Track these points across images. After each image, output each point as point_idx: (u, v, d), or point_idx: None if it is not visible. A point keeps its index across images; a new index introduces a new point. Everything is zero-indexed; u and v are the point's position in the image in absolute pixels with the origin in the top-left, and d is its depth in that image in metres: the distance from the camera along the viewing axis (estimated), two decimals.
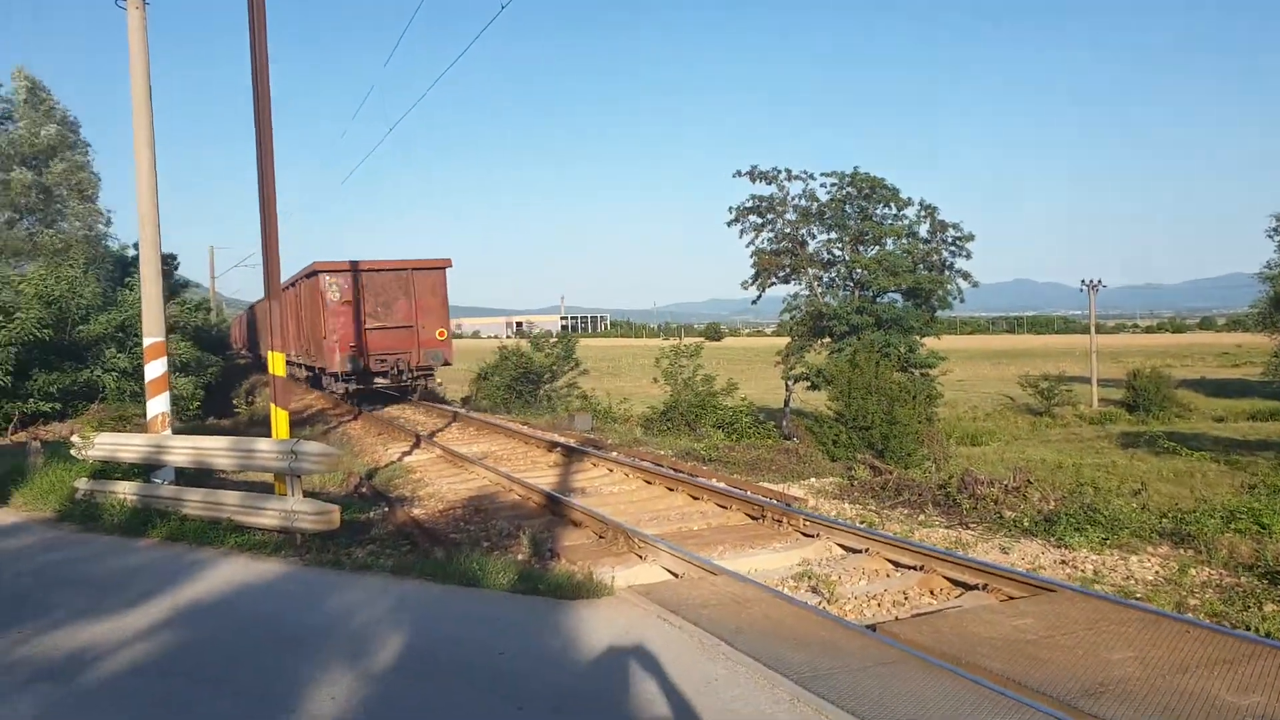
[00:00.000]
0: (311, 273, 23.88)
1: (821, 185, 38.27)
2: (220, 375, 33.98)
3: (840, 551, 8.66)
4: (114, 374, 26.48)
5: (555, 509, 10.18)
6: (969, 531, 10.02)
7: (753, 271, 40.15)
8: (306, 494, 9.95)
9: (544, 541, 8.73)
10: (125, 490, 10.52)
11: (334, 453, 8.60)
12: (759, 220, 39.86)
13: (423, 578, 7.42)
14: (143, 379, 27.50)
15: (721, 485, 12.10)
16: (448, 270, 24.10)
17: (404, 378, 23.29)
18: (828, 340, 38.14)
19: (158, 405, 12.51)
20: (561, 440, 15.81)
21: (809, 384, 37.79)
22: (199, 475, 11.17)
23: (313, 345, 24.96)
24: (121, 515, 10.14)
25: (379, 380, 23.21)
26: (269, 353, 9.71)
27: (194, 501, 9.68)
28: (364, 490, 12.29)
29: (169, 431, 12.52)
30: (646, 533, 8.82)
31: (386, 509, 10.58)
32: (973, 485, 11.60)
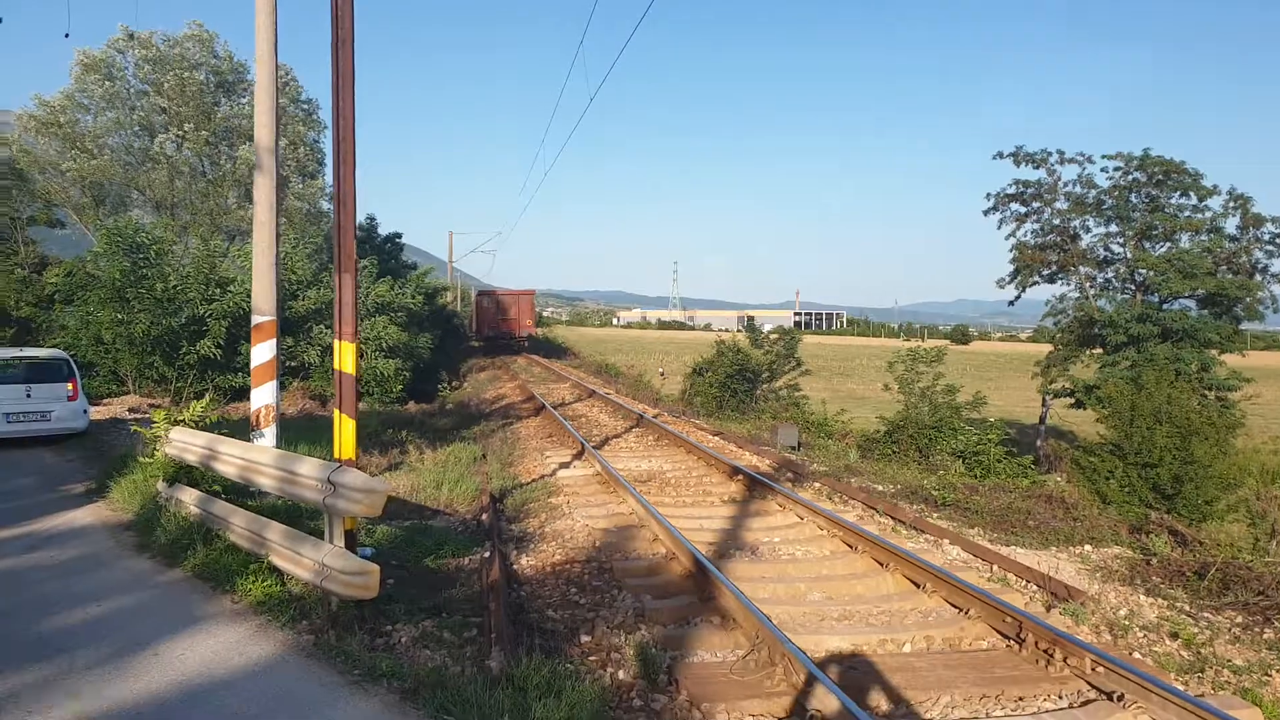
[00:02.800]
0: (477, 296, 57.15)
1: (1102, 170, 32.37)
2: (431, 358, 33.42)
3: None
4: (317, 349, 26.16)
5: (703, 584, 7.11)
6: None
7: (1011, 268, 34.86)
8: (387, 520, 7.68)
9: (660, 657, 5.69)
10: (189, 500, 8.59)
11: (379, 489, 6.07)
12: (1022, 209, 34.42)
13: (438, 715, 4.66)
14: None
15: (955, 557, 8.61)
16: (534, 295, 55.28)
17: (511, 343, 50.09)
18: (1098, 351, 32.36)
19: (263, 396, 10.63)
20: (746, 466, 12.65)
21: (1072, 401, 32.19)
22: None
23: (476, 326, 53.42)
24: (174, 532, 8.24)
25: (501, 342, 49.88)
26: (336, 342, 7.33)
27: (239, 528, 7.51)
28: (484, 517, 9.79)
29: (273, 428, 10.63)
30: (821, 660, 5.60)
31: (489, 553, 7.96)
32: None
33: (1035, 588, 7.87)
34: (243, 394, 24.15)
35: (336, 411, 7.27)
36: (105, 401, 22.44)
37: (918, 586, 7.40)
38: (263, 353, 10.55)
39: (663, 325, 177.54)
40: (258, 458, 7.41)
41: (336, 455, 7.23)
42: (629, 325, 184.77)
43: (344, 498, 6.11)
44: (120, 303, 22.64)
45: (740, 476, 11.69)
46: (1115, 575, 8.64)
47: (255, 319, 10.68)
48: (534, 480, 11.91)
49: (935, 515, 11.06)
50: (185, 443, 8.91)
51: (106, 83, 31.38)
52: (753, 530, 9.26)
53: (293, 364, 26.59)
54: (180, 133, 30.85)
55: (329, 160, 33.77)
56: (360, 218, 40.62)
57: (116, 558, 8.01)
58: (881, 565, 7.94)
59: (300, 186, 32.98)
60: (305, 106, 33.99)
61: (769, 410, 26.32)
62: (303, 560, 6.45)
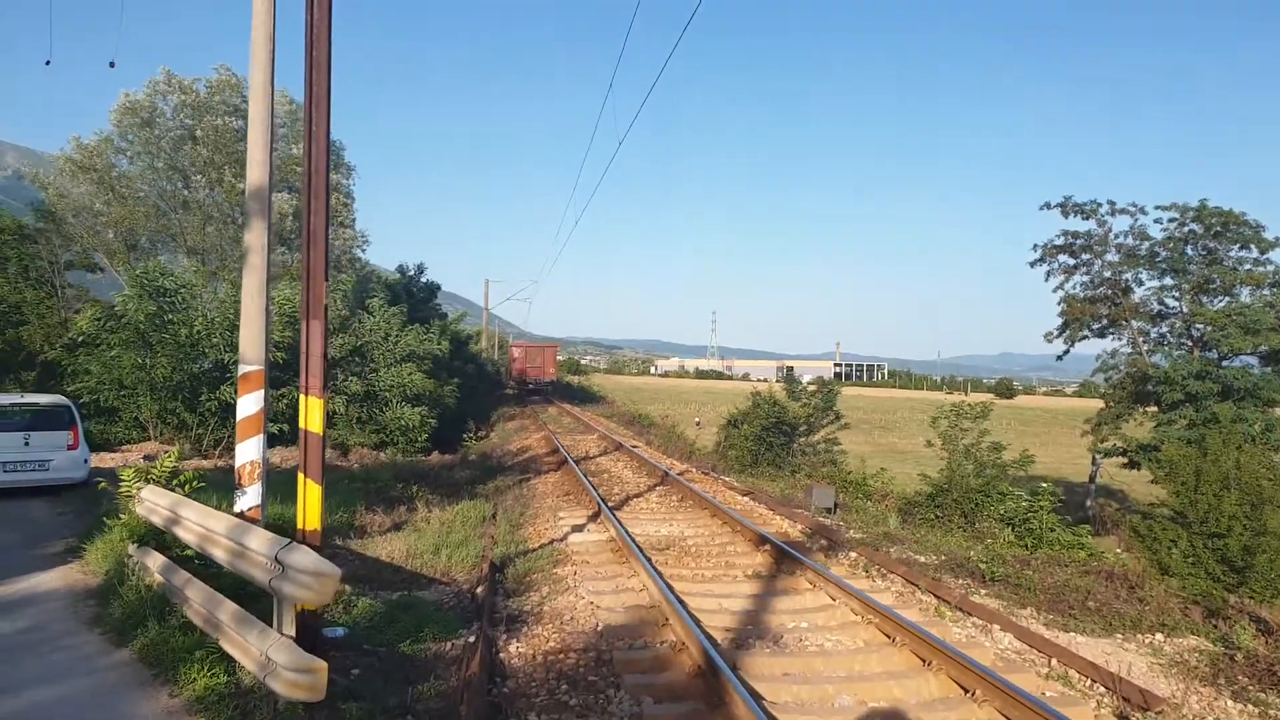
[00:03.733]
0: (511, 346, 72.20)
1: (1155, 221, 31.13)
2: (459, 406, 32.79)
3: None
4: (343, 398, 25.61)
5: (714, 685, 6.11)
6: None
7: (1060, 322, 33.59)
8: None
9: None
10: (154, 566, 7.80)
11: (329, 574, 5.23)
12: (1071, 261, 33.30)
13: None
14: (377, 404, 26.62)
15: (1008, 647, 7.56)
16: (557, 347, 70.40)
17: (539, 386, 58.07)
18: (1152, 409, 30.85)
19: (248, 451, 9.80)
20: (775, 534, 11.63)
21: (1126, 460, 30.62)
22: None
23: (509, 372, 62.20)
24: (132, 603, 7.44)
25: (529, 386, 57.84)
26: (302, 397, 6.55)
27: (195, 603, 6.68)
28: (479, 589, 8.87)
29: (258, 485, 9.81)
30: None
31: (474, 638, 7.03)
32: None
33: (1103, 689, 6.82)
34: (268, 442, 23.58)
35: (300, 475, 6.46)
36: (124, 448, 21.98)
37: (967, 692, 6.33)
38: (249, 405, 9.78)
39: (700, 375, 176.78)
40: (214, 525, 6.62)
41: (300, 526, 6.40)
42: (666, 374, 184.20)
43: (291, 580, 5.26)
44: (143, 347, 22.32)
45: (768, 546, 10.66)
46: (1195, 674, 7.55)
47: (242, 368, 9.95)
48: (542, 546, 10.98)
49: (983, 592, 10.02)
50: (153, 503, 8.17)
51: (145, 129, 31.48)
52: (778, 613, 8.23)
53: None
54: (217, 176, 30.79)
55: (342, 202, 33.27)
56: (408, 263, 40.40)
57: (66, 633, 7.21)
58: (924, 663, 6.88)
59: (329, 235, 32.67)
60: (336, 150, 33.75)
61: (805, 466, 25.22)
62: (249, 649, 5.60)
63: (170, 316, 22.82)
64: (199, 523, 6.90)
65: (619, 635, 7.29)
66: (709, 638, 7.17)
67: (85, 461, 14.63)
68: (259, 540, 5.79)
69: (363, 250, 36.99)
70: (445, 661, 6.71)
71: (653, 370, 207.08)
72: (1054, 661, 7.45)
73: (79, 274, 33.77)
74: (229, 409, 22.70)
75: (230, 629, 5.97)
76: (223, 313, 23.67)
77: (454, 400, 31.06)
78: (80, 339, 23.29)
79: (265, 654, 5.32)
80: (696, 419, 51.74)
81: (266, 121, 10.19)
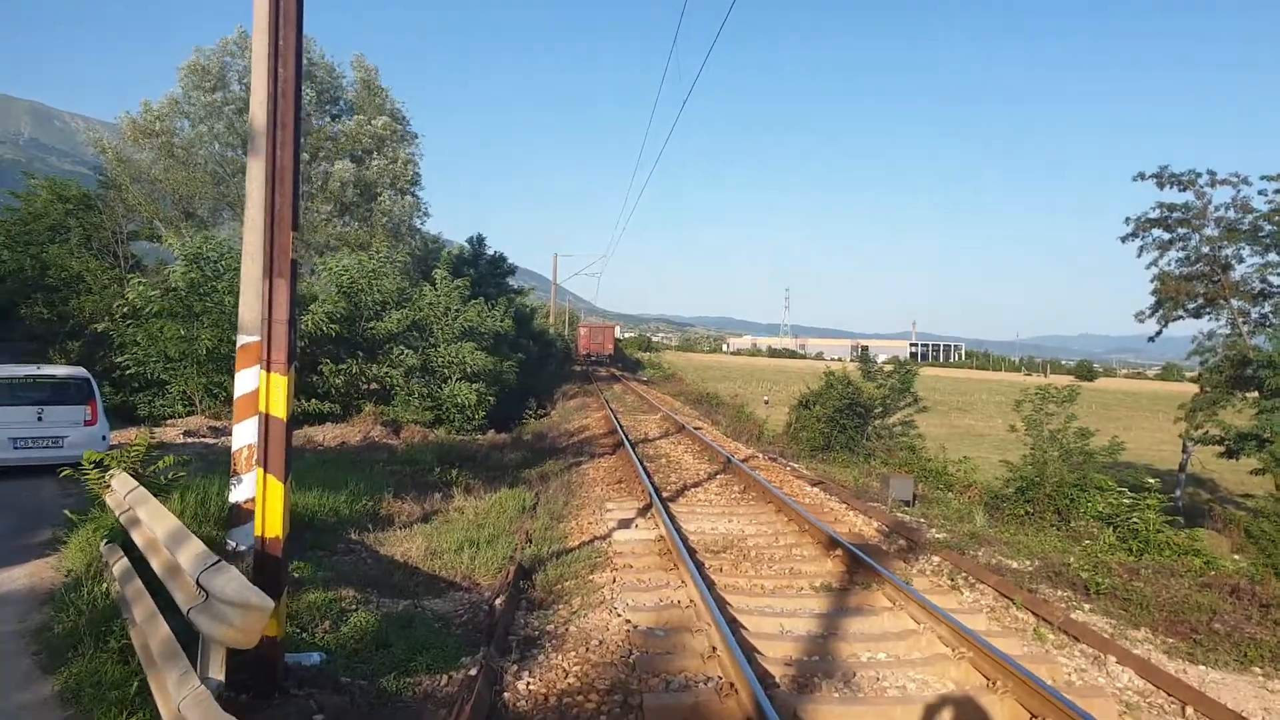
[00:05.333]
0: (579, 326, 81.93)
1: (1260, 192, 28.45)
2: (520, 382, 31.76)
3: None
4: (400, 370, 24.73)
5: None
6: None
7: (1153, 300, 31.07)
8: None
9: None
10: (117, 571, 6.70)
11: (258, 605, 4.01)
12: (1166, 235, 30.71)
13: None
14: (434, 380, 25.68)
15: (1127, 685, 6.07)
16: (615, 327, 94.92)
17: (599, 359, 70.07)
18: (1253, 394, 28.32)
19: (246, 433, 8.69)
20: (848, 536, 10.13)
21: (1223, 450, 28.16)
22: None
23: (578, 347, 71.79)
24: (78, 617, 6.33)
25: (592, 359, 69.44)
26: (263, 374, 5.37)
27: (139, 620, 5.53)
28: (499, 600, 7.60)
29: (253, 472, 8.74)
30: None
31: (476, 670, 5.76)
32: None
33: None
34: (314, 419, 22.82)
35: (260, 471, 5.26)
36: (170, 422, 21.40)
37: None
38: (247, 380, 8.62)
39: (773, 353, 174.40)
40: (158, 530, 5.45)
41: (258, 534, 5.20)
42: (738, 352, 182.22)
43: (210, 612, 4.04)
44: (188, 317, 21.69)
45: (840, 551, 9.17)
46: None
47: (241, 339, 8.74)
48: (582, 544, 9.68)
49: (1087, 607, 8.53)
50: (120, 495, 7.06)
51: (213, 94, 30.79)
52: (850, 641, 6.77)
53: (373, 387, 25.31)
54: None
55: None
56: (480, 235, 39.27)
57: (1, 652, 6.12)
58: (1034, 718, 5.40)
59: (388, 202, 31.66)
60: (401, 120, 32.67)
61: (880, 451, 23.50)
62: (169, 696, 4.37)
63: (217, 284, 22.15)
64: (149, 524, 5.75)
65: (655, 667, 5.94)
66: (764, 676, 5.80)
67: (104, 438, 13.74)
68: (188, 555, 4.59)
69: (422, 221, 36.00)
70: (436, 702, 5.44)
71: (724, 348, 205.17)
72: (1189, 711, 5.96)
73: (143, 244, 33.41)
74: None
75: (159, 663, 4.78)
76: None
77: (514, 377, 30.02)
78: (127, 309, 22.76)
79: (179, 706, 4.10)
80: (765, 398, 50.16)
81: (271, 62, 8.99)
